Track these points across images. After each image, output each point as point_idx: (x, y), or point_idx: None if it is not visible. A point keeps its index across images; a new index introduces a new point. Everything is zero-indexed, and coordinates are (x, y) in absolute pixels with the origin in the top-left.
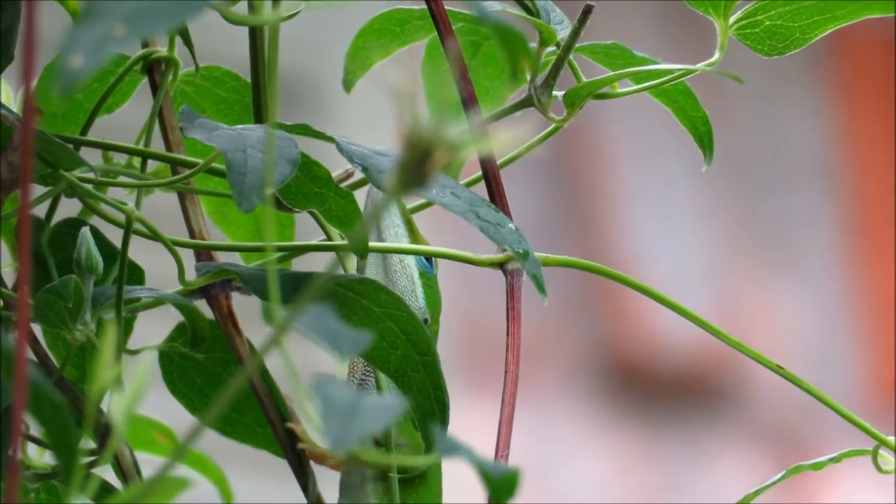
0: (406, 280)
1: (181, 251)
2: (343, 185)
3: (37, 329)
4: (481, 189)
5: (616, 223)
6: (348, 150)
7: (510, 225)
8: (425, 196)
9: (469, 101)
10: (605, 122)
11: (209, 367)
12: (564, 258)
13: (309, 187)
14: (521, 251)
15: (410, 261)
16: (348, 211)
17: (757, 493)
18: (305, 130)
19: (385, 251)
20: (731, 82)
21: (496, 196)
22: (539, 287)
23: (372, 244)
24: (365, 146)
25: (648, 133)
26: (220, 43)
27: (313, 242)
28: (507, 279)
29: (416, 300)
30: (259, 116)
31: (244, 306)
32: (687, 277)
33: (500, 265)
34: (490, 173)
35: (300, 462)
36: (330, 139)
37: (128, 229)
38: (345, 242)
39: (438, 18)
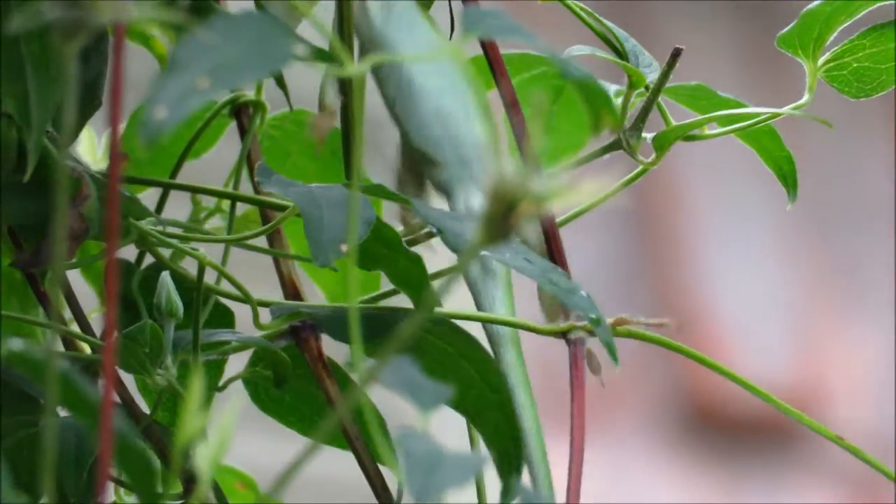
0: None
1: (274, 295)
2: (406, 239)
3: (126, 374)
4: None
5: (693, 264)
6: (424, 212)
7: (582, 291)
8: (501, 260)
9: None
10: (679, 163)
11: (296, 383)
12: (633, 330)
13: (378, 249)
14: (593, 318)
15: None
16: (416, 274)
17: None
18: (381, 192)
19: (455, 317)
20: (807, 120)
21: (555, 257)
22: (611, 354)
23: (446, 310)
24: (440, 209)
25: (723, 173)
26: (308, 85)
27: (394, 307)
28: (570, 348)
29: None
30: (349, 165)
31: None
32: (765, 317)
33: (563, 334)
34: (550, 234)
35: None
36: (406, 201)
37: (200, 275)
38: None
39: (494, 66)
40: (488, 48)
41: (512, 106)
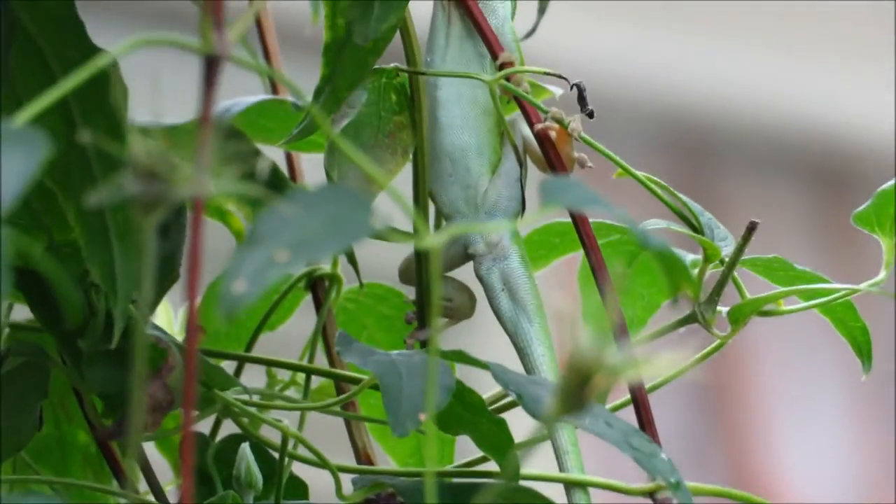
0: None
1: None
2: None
3: None
4: (626, 412)
5: (764, 433)
6: (503, 378)
7: (662, 455)
8: (580, 425)
9: (619, 328)
10: (750, 330)
11: None
12: (717, 488)
13: (461, 413)
14: (673, 481)
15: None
16: (501, 438)
17: None
18: (461, 357)
19: (538, 479)
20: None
21: (645, 425)
22: None
23: (528, 472)
24: (519, 374)
25: (794, 340)
26: (384, 256)
27: (472, 469)
28: None
29: None
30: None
31: None
32: (836, 489)
33: (650, 494)
34: (639, 401)
35: None
36: (485, 366)
37: (283, 447)
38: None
39: (585, 240)
40: (578, 221)
41: (599, 271)
